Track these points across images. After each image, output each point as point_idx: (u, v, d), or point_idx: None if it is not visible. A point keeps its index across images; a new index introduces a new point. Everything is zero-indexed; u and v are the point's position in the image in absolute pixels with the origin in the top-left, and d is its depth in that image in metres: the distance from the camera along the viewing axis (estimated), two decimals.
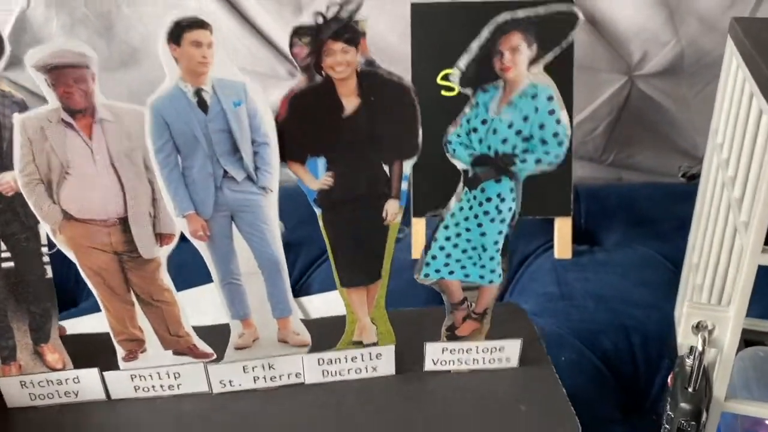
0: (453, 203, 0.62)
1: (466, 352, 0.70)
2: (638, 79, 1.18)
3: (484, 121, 0.58)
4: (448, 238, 0.64)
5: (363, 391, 0.70)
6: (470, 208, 0.62)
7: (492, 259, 0.65)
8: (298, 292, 0.98)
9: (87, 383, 0.68)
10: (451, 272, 0.66)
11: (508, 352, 0.70)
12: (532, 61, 0.56)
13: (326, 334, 0.70)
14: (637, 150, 1.26)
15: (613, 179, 1.28)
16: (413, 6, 0.94)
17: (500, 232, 0.63)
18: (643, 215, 1.09)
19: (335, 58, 0.56)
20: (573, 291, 0.93)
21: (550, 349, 0.78)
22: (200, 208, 0.61)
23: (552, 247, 1.02)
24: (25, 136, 0.56)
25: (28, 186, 0.58)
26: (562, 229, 1.00)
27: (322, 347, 0.70)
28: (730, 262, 0.60)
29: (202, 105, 0.56)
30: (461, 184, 0.62)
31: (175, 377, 0.68)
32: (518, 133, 0.58)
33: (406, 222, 1.08)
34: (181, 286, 0.66)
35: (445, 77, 0.94)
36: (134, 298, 0.65)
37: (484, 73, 0.56)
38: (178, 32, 0.53)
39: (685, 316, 0.56)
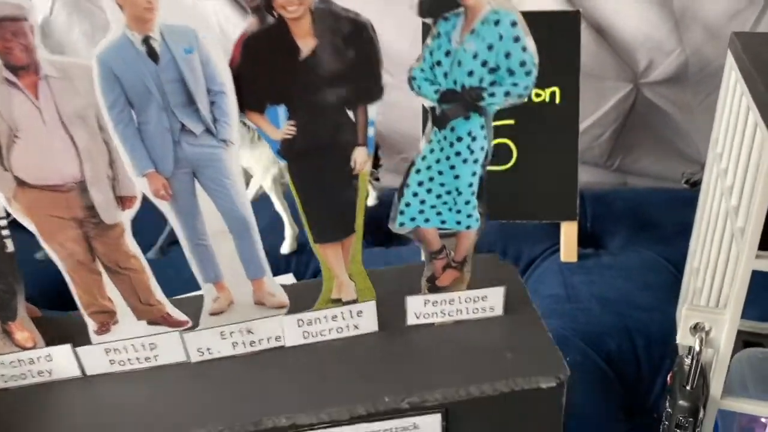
0: (423, 145, 0.60)
1: (449, 303, 0.68)
2: (644, 86, 1.20)
3: (447, 53, 0.56)
4: (420, 183, 0.62)
5: (345, 350, 0.68)
6: (441, 149, 0.60)
7: (468, 203, 0.63)
8: None
9: (60, 361, 0.66)
10: (426, 220, 0.64)
11: (491, 301, 0.68)
12: None
13: (304, 295, 0.68)
14: (641, 156, 1.29)
15: (619, 184, 1.31)
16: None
17: (474, 174, 0.61)
18: (648, 220, 1.11)
19: None
20: (578, 293, 0.94)
21: None
22: (160, 165, 0.58)
23: (558, 250, 1.03)
24: None
25: None
26: (568, 232, 1.02)
27: (300, 308, 0.68)
28: (727, 267, 0.62)
29: (152, 54, 0.54)
30: (429, 124, 0.59)
31: (150, 348, 0.66)
32: (484, 64, 0.56)
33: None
34: None
35: None
36: (101, 267, 0.63)
37: (444, 0, 0.53)
38: None
39: (683, 318, 0.59)
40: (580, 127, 1.03)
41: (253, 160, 1.07)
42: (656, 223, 1.09)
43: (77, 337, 0.66)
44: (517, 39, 0.55)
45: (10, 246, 0.62)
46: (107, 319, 0.65)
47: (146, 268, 0.64)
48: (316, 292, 0.68)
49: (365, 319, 0.68)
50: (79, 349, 0.65)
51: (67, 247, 0.61)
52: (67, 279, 0.63)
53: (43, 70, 0.54)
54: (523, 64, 0.55)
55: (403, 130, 1.21)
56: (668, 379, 0.63)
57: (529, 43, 0.55)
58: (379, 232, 1.05)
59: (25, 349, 0.65)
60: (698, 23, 1.13)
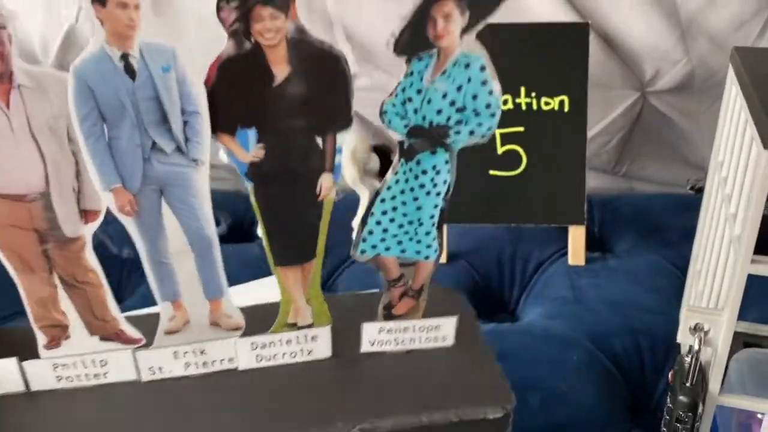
0: (389, 176, 0.62)
1: (403, 331, 0.69)
2: (650, 95, 1.23)
3: (419, 91, 0.58)
4: (384, 212, 0.64)
5: (298, 375, 0.69)
6: (406, 180, 0.62)
7: (428, 234, 0.65)
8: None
9: (3, 375, 0.64)
10: (387, 248, 0.65)
11: (444, 330, 0.70)
12: (465, 30, 0.56)
13: (260, 317, 0.69)
14: (648, 162, 1.32)
15: (625, 190, 1.33)
16: None
17: (436, 206, 0.64)
18: (653, 224, 1.14)
19: (264, 24, 0.55)
20: (586, 295, 0.97)
21: (562, 350, 0.82)
22: (127, 181, 0.58)
23: (566, 253, 1.06)
24: None
25: None
26: (576, 236, 1.04)
27: (255, 330, 0.68)
28: (725, 271, 0.65)
29: (130, 71, 0.55)
30: (397, 156, 0.61)
31: (101, 365, 0.65)
32: (452, 103, 0.59)
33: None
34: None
35: None
36: (57, 281, 0.62)
37: (418, 40, 0.56)
38: None
39: (683, 319, 0.62)
40: (588, 134, 1.06)
41: None
42: (662, 228, 1.12)
43: (25, 350, 0.64)
44: (484, 82, 0.58)
45: None
46: (59, 333, 0.64)
47: (104, 282, 0.63)
48: (274, 315, 0.68)
49: (319, 344, 0.69)
50: (25, 364, 0.64)
51: (25, 258, 0.60)
52: (21, 291, 0.62)
53: (17, 79, 0.54)
54: (488, 106, 0.58)
55: None
56: (669, 376, 0.66)
57: (496, 86, 0.58)
58: None
59: None
60: (704, 34, 1.16)
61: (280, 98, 0.58)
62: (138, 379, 0.67)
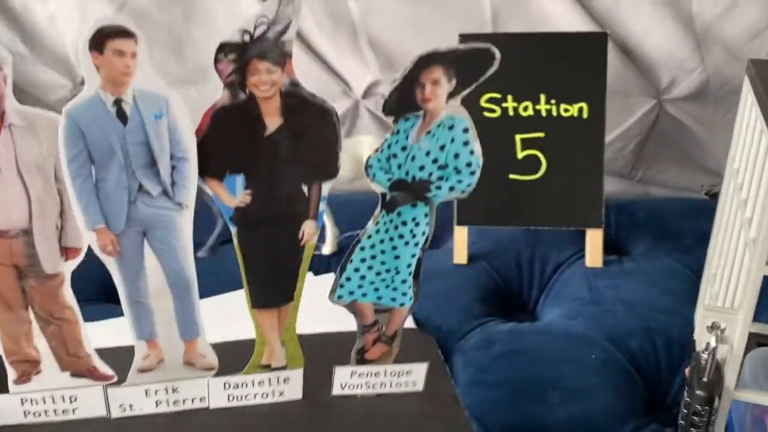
0: (370, 226, 0.64)
1: (374, 375, 0.71)
2: (666, 102, 1.26)
3: (404, 148, 0.60)
4: (363, 260, 0.65)
5: (269, 416, 0.69)
6: (386, 230, 0.64)
7: (404, 282, 0.67)
8: None
9: None
10: (364, 294, 0.67)
11: (414, 375, 0.72)
12: (451, 95, 0.59)
13: (234, 357, 0.69)
14: (663, 167, 1.34)
15: (641, 194, 1.35)
16: (461, 36, 1.02)
17: (413, 255, 0.65)
18: (668, 229, 1.16)
19: (260, 77, 0.57)
20: (603, 297, 0.99)
21: (581, 349, 0.86)
22: (112, 222, 0.59)
23: (583, 256, 1.08)
24: None
25: None
26: (594, 239, 1.06)
27: (229, 371, 0.68)
28: (741, 273, 0.69)
29: (121, 115, 0.55)
30: (379, 208, 0.63)
31: (70, 401, 0.65)
32: (435, 161, 0.61)
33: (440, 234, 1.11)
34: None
35: (488, 100, 1.04)
36: (32, 316, 0.62)
37: (407, 102, 0.58)
38: (100, 39, 0.52)
39: (701, 317, 0.65)
40: (606, 139, 1.08)
41: None
42: (676, 232, 1.14)
43: None
44: (467, 143, 0.60)
45: None
46: (30, 368, 0.63)
47: (80, 319, 0.63)
48: (247, 354, 0.69)
49: (291, 386, 0.70)
50: None
51: (2, 293, 0.60)
52: None
53: (9, 118, 0.54)
54: (469, 165, 0.61)
55: None
56: (687, 372, 0.69)
57: (476, 147, 0.60)
58: None
59: None
60: (719, 43, 1.19)
61: (271, 147, 0.59)
62: (107, 415, 0.66)
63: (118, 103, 0.55)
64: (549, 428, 0.76)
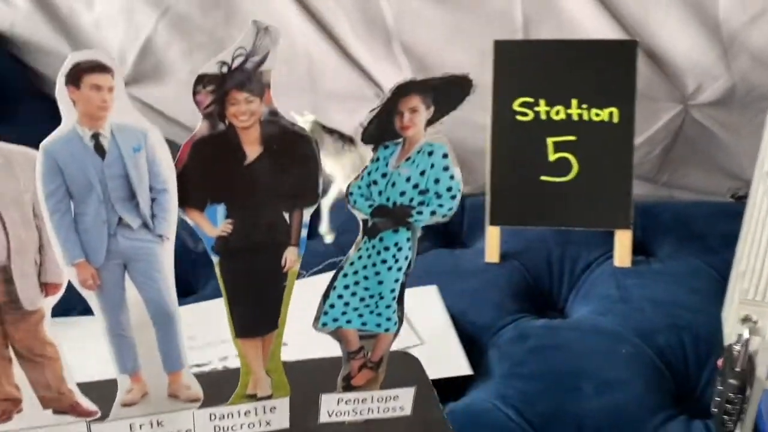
0: (352, 252, 0.64)
1: (362, 402, 0.70)
2: (692, 108, 1.29)
3: (384, 175, 0.61)
4: (346, 287, 0.65)
5: None
6: (369, 256, 0.64)
7: (388, 307, 0.67)
8: None
9: None
10: (348, 321, 0.67)
11: (402, 400, 0.71)
12: (430, 122, 0.59)
13: (219, 387, 0.68)
14: (688, 172, 1.38)
15: (666, 197, 1.39)
16: (496, 42, 1.08)
17: (396, 281, 0.65)
18: (694, 230, 1.20)
19: (239, 107, 0.57)
20: (631, 295, 1.03)
21: (611, 344, 0.90)
22: (91, 255, 0.58)
23: (611, 256, 1.11)
24: None
25: None
26: (622, 239, 1.10)
27: (214, 401, 0.68)
28: None
29: (99, 150, 0.55)
30: (361, 234, 0.63)
31: None
32: (415, 186, 0.61)
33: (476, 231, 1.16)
34: None
35: (522, 104, 1.09)
36: (12, 353, 0.61)
37: (386, 130, 0.58)
38: (77, 74, 0.52)
39: (735, 310, 0.69)
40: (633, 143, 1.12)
41: (337, 167, 1.14)
42: (701, 234, 1.18)
43: None
44: (446, 168, 0.60)
45: None
46: (11, 407, 0.62)
47: (61, 355, 0.62)
48: (233, 384, 0.68)
49: (278, 415, 0.69)
50: None
51: None
52: None
53: None
54: (449, 189, 0.61)
55: (466, 143, 1.28)
56: (719, 363, 0.73)
57: (456, 172, 0.61)
58: (443, 234, 1.21)
59: None
60: (745, 51, 1.22)
61: (251, 176, 0.59)
62: None
63: (95, 137, 0.55)
64: (584, 417, 0.81)
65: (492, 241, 1.10)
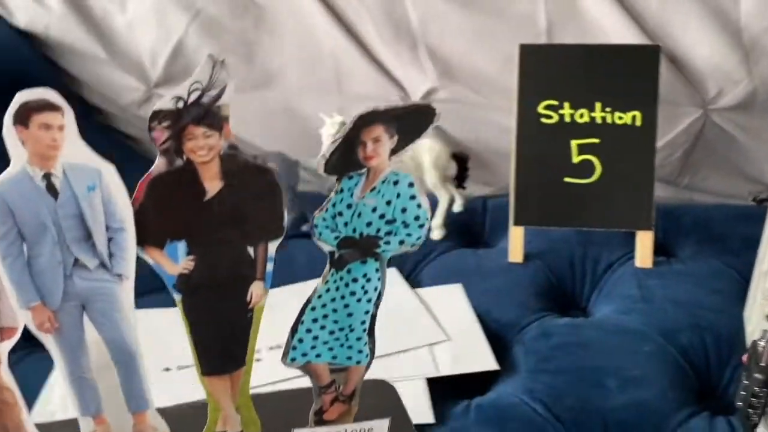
0: (320, 285, 0.62)
1: None
2: (713, 112, 1.29)
3: (349, 206, 0.59)
4: (315, 320, 0.63)
5: None
6: (337, 288, 0.62)
7: (359, 339, 0.65)
8: (411, 284, 1.09)
9: None
10: (318, 355, 0.65)
11: None
12: (394, 151, 0.58)
13: (187, 425, 0.67)
14: (708, 175, 1.38)
15: (686, 200, 1.39)
16: (521, 46, 1.09)
17: (367, 312, 0.64)
18: (715, 233, 1.21)
19: (197, 142, 0.55)
20: (653, 295, 1.03)
21: (634, 342, 0.92)
22: (48, 298, 0.56)
23: (632, 257, 1.13)
24: None
25: None
26: (644, 240, 1.11)
27: None
28: None
29: (51, 190, 0.53)
30: (328, 266, 0.62)
31: None
32: (382, 216, 0.60)
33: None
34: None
35: (547, 107, 1.10)
36: None
37: (349, 161, 0.57)
38: (25, 113, 0.50)
39: (759, 306, 0.70)
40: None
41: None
42: (722, 236, 1.19)
43: None
44: (413, 197, 0.59)
45: None
46: None
47: (19, 400, 0.60)
48: (201, 420, 0.66)
49: None
50: None
51: None
52: None
53: None
54: (417, 218, 0.60)
55: (490, 145, 1.30)
56: (744, 359, 0.75)
57: (423, 200, 0.59)
58: (466, 234, 1.22)
59: None
60: (767, 55, 1.22)
61: (212, 212, 0.58)
62: None
63: (47, 177, 0.53)
64: (609, 411, 0.82)
65: (516, 241, 1.12)
